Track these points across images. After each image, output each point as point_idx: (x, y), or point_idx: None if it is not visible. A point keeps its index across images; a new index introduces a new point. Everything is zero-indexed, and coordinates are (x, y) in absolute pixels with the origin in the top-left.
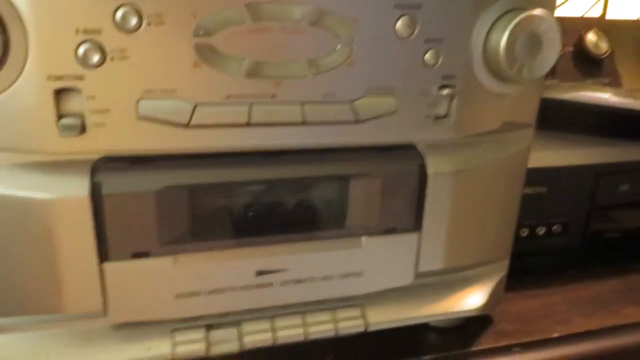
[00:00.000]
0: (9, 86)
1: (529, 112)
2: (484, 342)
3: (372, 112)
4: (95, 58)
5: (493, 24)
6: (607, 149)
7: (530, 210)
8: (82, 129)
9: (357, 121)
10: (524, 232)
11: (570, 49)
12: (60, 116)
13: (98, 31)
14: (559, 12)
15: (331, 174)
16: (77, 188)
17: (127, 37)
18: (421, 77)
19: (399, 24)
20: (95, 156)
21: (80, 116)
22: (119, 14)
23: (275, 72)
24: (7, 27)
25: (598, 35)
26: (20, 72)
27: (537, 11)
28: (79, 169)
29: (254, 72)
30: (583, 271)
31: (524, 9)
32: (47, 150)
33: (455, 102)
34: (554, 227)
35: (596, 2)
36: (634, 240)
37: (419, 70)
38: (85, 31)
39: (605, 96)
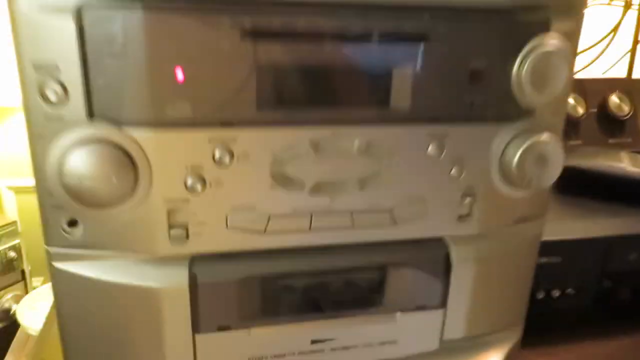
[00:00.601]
0: (137, 206)
1: (540, 208)
2: None
3: (407, 217)
4: (198, 186)
5: (508, 144)
6: (618, 220)
7: (546, 276)
8: (186, 237)
9: (394, 223)
10: (540, 295)
11: (594, 110)
12: (170, 227)
13: (201, 166)
14: (584, 74)
15: (373, 263)
16: (179, 279)
17: (221, 169)
18: (448, 188)
19: (429, 148)
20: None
21: (185, 227)
22: (216, 153)
23: (332, 190)
24: (137, 164)
25: (621, 97)
26: (146, 195)
27: (545, 136)
28: (180, 263)
29: (315, 191)
30: (596, 330)
31: (534, 132)
32: (158, 252)
33: (476, 205)
34: (568, 290)
35: (621, 57)
36: None
37: (446, 183)
38: (192, 167)
39: (621, 165)
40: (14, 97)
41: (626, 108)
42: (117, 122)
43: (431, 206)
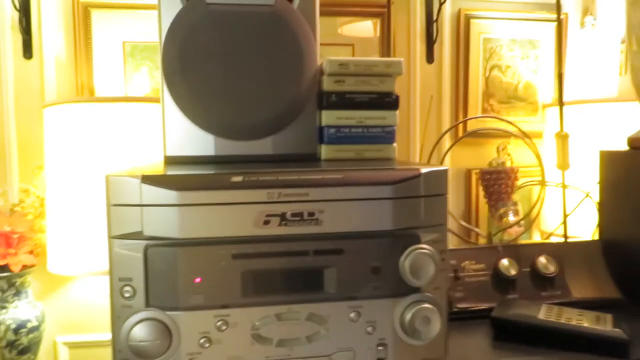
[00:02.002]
0: (169, 357)
1: (440, 352)
2: None
3: None
4: (207, 344)
5: (404, 310)
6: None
7: None
8: None
9: None
10: None
11: (528, 269)
12: None
13: (208, 332)
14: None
15: None
16: None
17: (221, 333)
18: (366, 341)
19: (351, 315)
20: None
21: None
22: (218, 324)
23: (290, 344)
24: (172, 332)
25: (547, 259)
26: (175, 351)
27: (427, 305)
28: None
29: (279, 345)
30: None
31: (420, 302)
32: None
33: (389, 351)
34: None
35: (555, 229)
36: None
37: (364, 337)
38: (203, 332)
39: (551, 318)
40: (73, 269)
41: (552, 268)
42: (162, 308)
43: (357, 353)
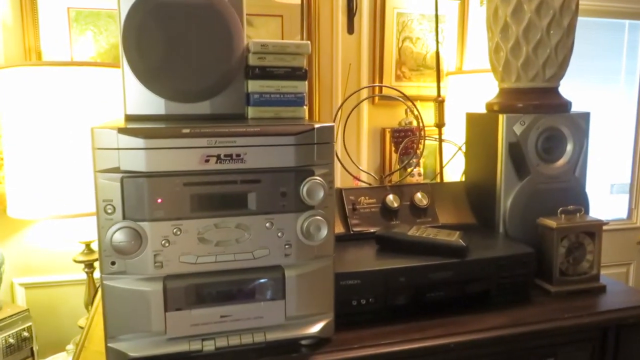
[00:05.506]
0: (140, 254)
1: (328, 251)
2: (326, 349)
3: (260, 256)
4: (167, 244)
5: (304, 221)
6: (395, 261)
7: (355, 291)
8: (161, 267)
9: (254, 258)
10: (354, 302)
11: (407, 202)
12: (154, 262)
13: (167, 236)
14: (407, 180)
15: (249, 277)
16: (158, 287)
17: (177, 237)
18: (277, 242)
19: (266, 225)
20: None
21: (161, 262)
22: (174, 230)
23: (224, 244)
24: (142, 236)
25: (422, 195)
26: (144, 249)
27: (319, 217)
28: (159, 279)
29: (217, 245)
30: (383, 321)
31: (314, 216)
32: (149, 274)
33: (292, 250)
34: (370, 299)
35: (436, 175)
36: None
37: (276, 240)
38: (164, 236)
39: (416, 234)
40: (31, 213)
41: (425, 201)
42: (135, 220)
43: (271, 250)
